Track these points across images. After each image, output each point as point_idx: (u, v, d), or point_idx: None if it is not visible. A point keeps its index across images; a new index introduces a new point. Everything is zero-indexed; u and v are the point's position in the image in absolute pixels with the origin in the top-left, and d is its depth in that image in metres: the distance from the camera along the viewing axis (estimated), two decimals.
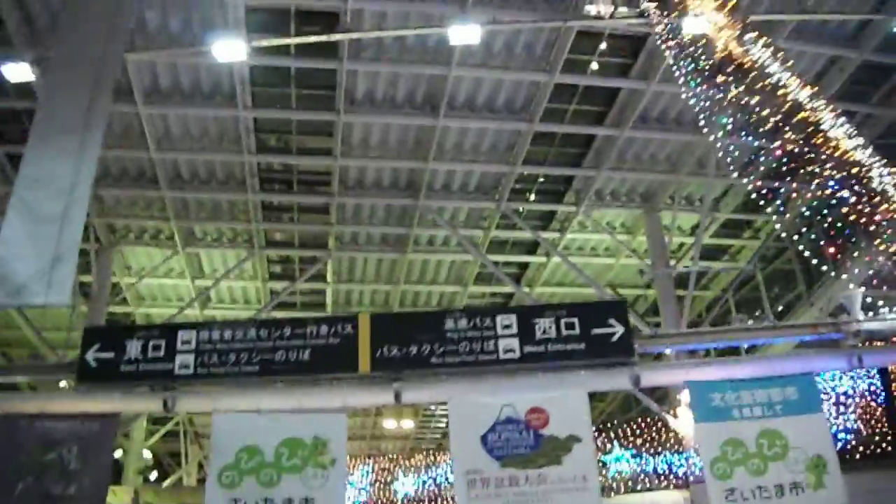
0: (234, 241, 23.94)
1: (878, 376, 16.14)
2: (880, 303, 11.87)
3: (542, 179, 22.75)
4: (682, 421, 19.32)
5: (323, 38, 16.58)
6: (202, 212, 22.78)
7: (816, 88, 14.09)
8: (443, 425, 37.37)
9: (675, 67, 15.33)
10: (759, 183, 13.70)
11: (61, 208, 12.10)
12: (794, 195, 13.48)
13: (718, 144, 14.65)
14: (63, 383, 14.71)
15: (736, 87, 13.99)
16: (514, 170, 21.23)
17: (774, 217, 17.32)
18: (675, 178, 22.22)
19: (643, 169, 22.08)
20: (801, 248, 14.01)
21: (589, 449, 10.79)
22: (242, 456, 10.80)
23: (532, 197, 23.13)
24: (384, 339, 11.19)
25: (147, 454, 27.95)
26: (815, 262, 14.43)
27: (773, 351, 16.97)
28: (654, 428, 20.90)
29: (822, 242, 13.35)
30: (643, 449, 20.75)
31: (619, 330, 11.18)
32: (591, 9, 17.07)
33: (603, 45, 18.38)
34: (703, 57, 14.80)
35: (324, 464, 10.72)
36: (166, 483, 30.55)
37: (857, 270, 13.17)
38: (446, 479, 21.01)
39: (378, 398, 11.20)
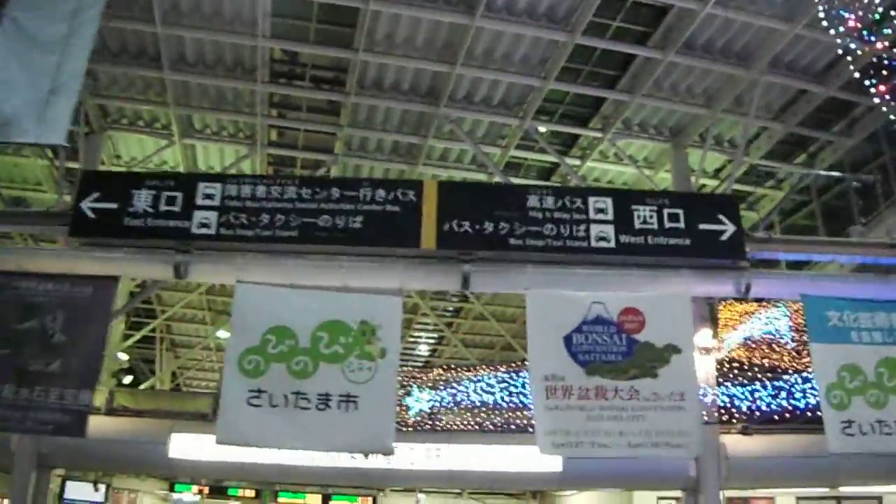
0: (235, 136, 21.18)
1: None
2: None
3: (569, 101, 20.23)
4: None
5: None
6: (204, 100, 19.96)
7: None
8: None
9: None
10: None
11: (62, 33, 9.41)
12: None
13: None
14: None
15: None
16: (546, 85, 18.67)
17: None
18: (709, 113, 19.79)
19: (678, 100, 19.63)
20: None
21: (689, 362, 8.51)
22: (270, 338, 8.37)
23: (557, 118, 20.61)
24: (454, 211, 8.79)
25: (123, 356, 25.22)
26: None
27: None
28: None
29: None
30: None
31: (730, 228, 8.90)
32: None
33: None
34: None
35: (371, 354, 8.32)
36: (143, 386, 27.64)
37: None
38: (467, 396, 18.59)
39: (442, 281, 8.80)
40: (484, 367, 19.27)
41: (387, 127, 20.42)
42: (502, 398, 18.43)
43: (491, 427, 18.34)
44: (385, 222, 8.67)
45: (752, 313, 17.93)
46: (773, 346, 16.93)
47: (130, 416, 19.29)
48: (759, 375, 17.22)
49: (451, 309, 29.41)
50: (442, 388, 18.79)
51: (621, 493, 21.98)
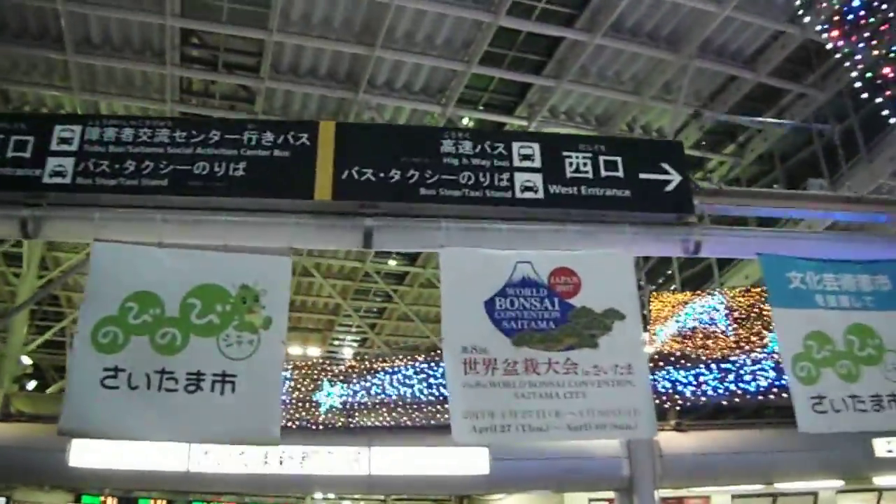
0: None
1: None
2: None
3: (493, 89, 18.82)
4: None
5: None
6: (111, 85, 18.10)
7: None
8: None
9: None
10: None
11: None
12: None
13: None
14: None
15: None
16: (469, 69, 17.30)
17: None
18: (638, 100, 18.66)
19: (606, 86, 18.43)
20: None
21: (635, 329, 6.99)
22: (132, 306, 6.62)
23: (481, 106, 19.16)
24: (355, 156, 7.17)
25: (26, 360, 22.87)
26: None
27: None
28: None
29: None
30: None
31: (676, 178, 7.45)
32: None
33: None
34: None
35: (253, 324, 6.64)
36: (50, 390, 24.90)
37: None
38: (382, 389, 16.70)
39: (340, 238, 7.16)
40: (400, 357, 17.48)
41: (304, 115, 18.71)
42: (421, 391, 16.65)
43: (409, 423, 16.59)
44: (273, 170, 6.99)
45: (686, 303, 16.51)
46: (710, 336, 15.55)
47: (26, 421, 17.18)
48: (702, 358, 15.78)
49: (374, 310, 27.66)
50: (355, 381, 16.94)
51: (551, 495, 20.41)
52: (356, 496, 27.59)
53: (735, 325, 15.71)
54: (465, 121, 19.30)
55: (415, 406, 16.49)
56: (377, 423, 16.61)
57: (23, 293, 21.60)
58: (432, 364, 16.69)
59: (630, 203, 7.29)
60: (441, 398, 16.32)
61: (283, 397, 16.50)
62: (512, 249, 7.02)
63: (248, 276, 6.76)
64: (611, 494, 18.48)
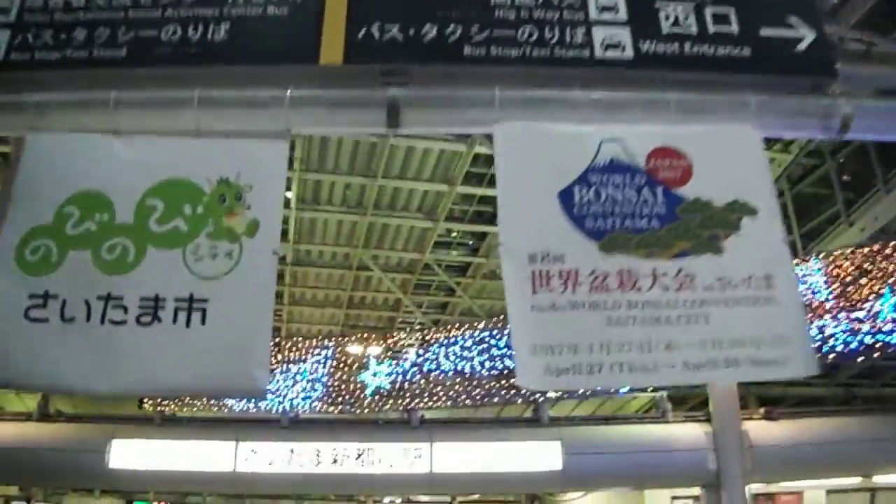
0: None
1: None
2: None
3: None
4: None
5: None
6: None
7: None
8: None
9: None
10: None
11: None
12: None
13: None
14: None
15: None
16: None
17: None
18: None
19: None
20: None
21: (772, 227, 4.66)
22: (71, 212, 4.55)
23: None
24: (375, 9, 4.96)
25: None
26: None
27: None
28: None
29: None
30: None
31: (809, 35, 5.08)
32: None
33: None
34: None
35: (233, 231, 4.49)
36: None
37: None
38: (437, 365, 14.36)
39: (355, 115, 4.95)
40: (456, 326, 15.08)
41: None
42: (481, 364, 14.21)
43: (468, 402, 14.22)
44: (265, 31, 4.89)
45: None
46: (808, 305, 13.03)
47: (65, 421, 15.37)
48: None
49: (437, 305, 25.27)
50: (404, 357, 14.62)
51: (631, 493, 17.94)
52: (418, 496, 25.55)
53: (836, 290, 13.13)
54: None
55: (475, 382, 14.11)
56: (431, 405, 14.25)
57: None
58: (494, 332, 14.30)
59: (750, 64, 5.00)
60: (506, 371, 13.90)
61: (324, 378, 14.34)
62: (596, 123, 4.78)
63: (229, 168, 4.65)
64: (696, 491, 16.06)
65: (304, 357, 14.57)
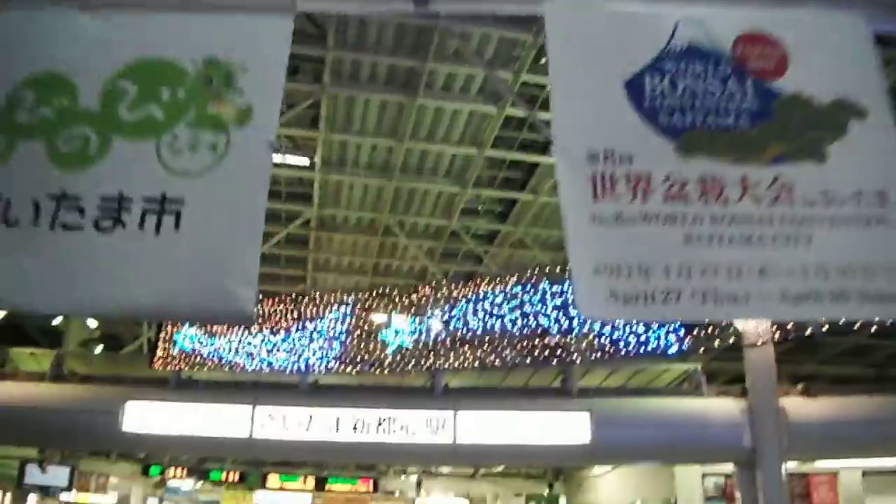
0: None
1: None
2: None
3: None
4: None
5: None
6: None
7: None
8: None
9: None
10: None
11: None
12: None
13: None
14: None
15: None
16: None
17: None
18: None
19: None
20: None
21: (885, 135, 3.60)
22: (26, 95, 3.57)
23: None
24: None
25: (93, 322, 20.34)
26: None
27: None
28: None
29: None
30: None
31: None
32: None
33: None
34: None
35: (220, 119, 3.47)
36: (124, 351, 21.90)
37: None
38: (464, 324, 13.23)
39: None
40: (486, 281, 13.89)
41: (380, 50, 15.56)
42: (512, 321, 13.03)
43: (498, 362, 13.11)
44: None
45: None
46: None
47: (78, 382, 14.57)
48: None
49: (463, 274, 23.89)
50: (429, 313, 13.52)
51: (660, 469, 16.92)
52: (440, 468, 24.58)
53: None
54: None
55: (505, 342, 12.97)
56: (458, 365, 13.19)
57: None
58: (527, 287, 13.12)
59: None
60: (540, 330, 12.78)
61: (342, 336, 13.35)
62: (666, 4, 3.76)
63: (220, 46, 3.66)
64: (727, 468, 15.05)
65: (321, 314, 13.56)
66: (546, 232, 20.66)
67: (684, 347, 12.72)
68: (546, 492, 23.64)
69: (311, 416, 13.63)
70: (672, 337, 12.49)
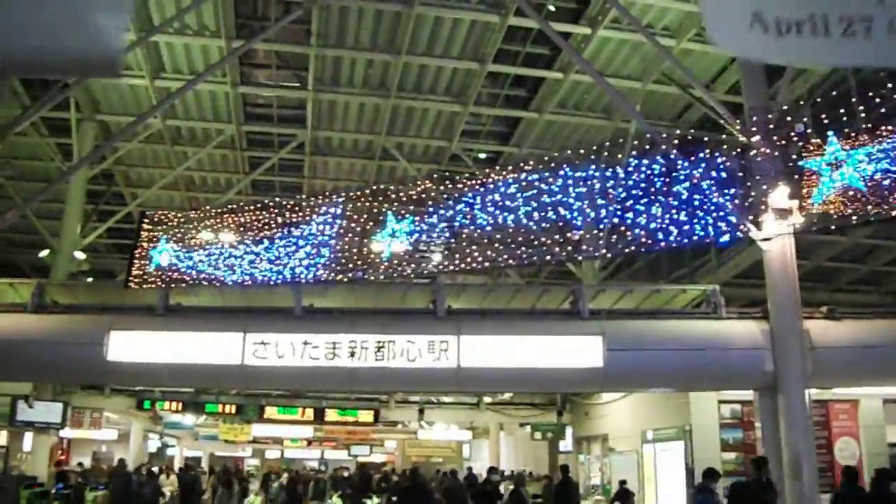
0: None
1: None
2: None
3: None
4: None
5: None
6: None
7: None
8: None
9: None
10: None
11: None
12: None
13: None
14: None
15: None
16: None
17: None
18: None
19: None
20: None
21: None
22: None
23: None
24: None
25: (80, 255, 18.82)
26: None
27: None
28: None
29: None
30: None
31: None
32: None
33: None
34: None
35: None
36: (118, 279, 20.32)
37: None
38: (471, 219, 11.30)
39: None
40: (496, 170, 12.07)
41: None
42: (528, 214, 11.12)
43: (511, 262, 11.37)
44: None
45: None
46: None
47: (61, 312, 13.22)
48: None
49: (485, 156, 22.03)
50: (430, 211, 11.81)
51: (673, 395, 15.66)
52: (443, 395, 23.33)
53: None
54: None
55: (519, 238, 11.19)
56: (464, 266, 11.51)
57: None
58: (546, 175, 11.22)
59: None
60: (560, 224, 10.93)
61: (331, 242, 11.74)
62: None
63: None
64: (746, 395, 13.79)
65: (307, 218, 11.89)
66: (551, 153, 19.19)
67: (738, 234, 10.95)
68: (556, 419, 22.37)
69: (305, 342, 12.32)
70: (722, 225, 10.74)
